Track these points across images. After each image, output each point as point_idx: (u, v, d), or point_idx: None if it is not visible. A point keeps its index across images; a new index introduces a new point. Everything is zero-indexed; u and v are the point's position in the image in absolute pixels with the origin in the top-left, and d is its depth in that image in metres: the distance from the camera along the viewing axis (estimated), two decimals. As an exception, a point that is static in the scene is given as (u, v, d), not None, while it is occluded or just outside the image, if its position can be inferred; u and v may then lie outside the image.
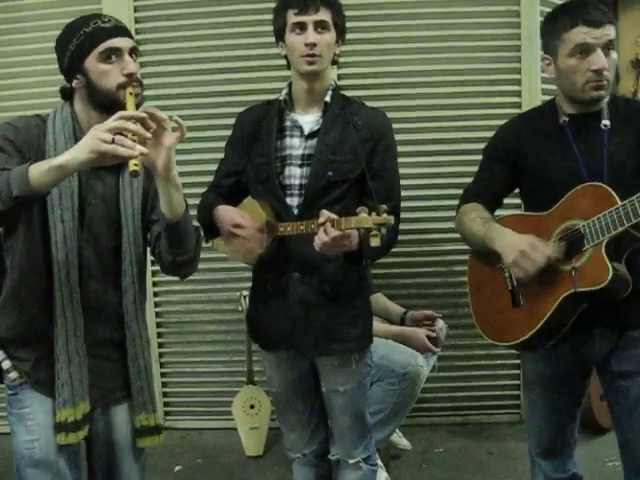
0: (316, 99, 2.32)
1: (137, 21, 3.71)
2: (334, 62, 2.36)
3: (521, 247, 2.03)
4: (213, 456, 3.70)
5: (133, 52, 1.92)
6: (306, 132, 2.31)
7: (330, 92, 2.32)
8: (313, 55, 2.22)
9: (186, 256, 1.97)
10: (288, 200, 2.30)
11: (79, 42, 1.87)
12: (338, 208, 2.20)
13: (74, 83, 1.91)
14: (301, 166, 2.30)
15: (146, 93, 3.62)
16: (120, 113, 1.70)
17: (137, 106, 1.83)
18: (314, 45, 2.21)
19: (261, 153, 2.33)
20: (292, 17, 2.23)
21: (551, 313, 2.05)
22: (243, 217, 2.26)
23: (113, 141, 1.63)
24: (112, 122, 1.66)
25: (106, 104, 1.86)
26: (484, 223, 2.20)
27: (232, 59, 3.72)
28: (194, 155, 3.73)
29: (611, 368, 2.14)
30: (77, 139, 1.87)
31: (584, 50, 2.01)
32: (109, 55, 1.86)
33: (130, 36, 1.94)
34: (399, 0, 3.65)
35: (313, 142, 2.29)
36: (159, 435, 2.10)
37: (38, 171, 1.66)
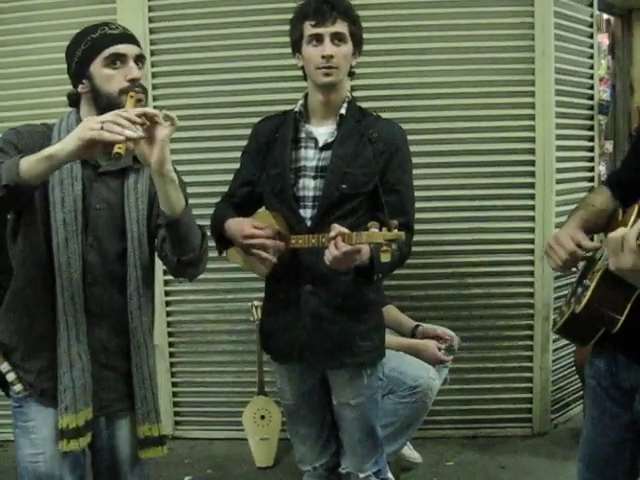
0: (332, 111, 2.32)
1: (152, 32, 3.72)
2: (350, 74, 2.36)
3: (550, 240, 1.97)
4: (223, 466, 3.69)
5: (139, 60, 1.94)
6: (321, 144, 2.31)
7: (346, 104, 2.32)
8: (330, 67, 2.22)
9: (191, 255, 1.94)
10: (301, 212, 2.29)
11: (86, 47, 1.90)
12: (351, 221, 2.21)
13: (80, 88, 1.94)
14: (315, 178, 2.29)
15: (160, 103, 3.68)
16: (116, 111, 1.71)
17: None
18: (331, 57, 2.21)
19: (275, 164, 2.33)
20: (309, 29, 2.23)
21: (564, 320, 1.96)
22: (254, 226, 2.26)
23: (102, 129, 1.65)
24: (106, 116, 1.68)
25: (107, 108, 1.86)
26: (576, 210, 2.06)
27: (247, 70, 3.72)
28: (208, 165, 3.75)
29: (636, 407, 1.94)
30: None
31: None
32: (114, 60, 1.89)
33: (137, 44, 1.96)
34: (413, 12, 3.65)
35: (327, 154, 2.29)
36: (162, 446, 2.07)
37: (28, 162, 1.68)
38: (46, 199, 1.90)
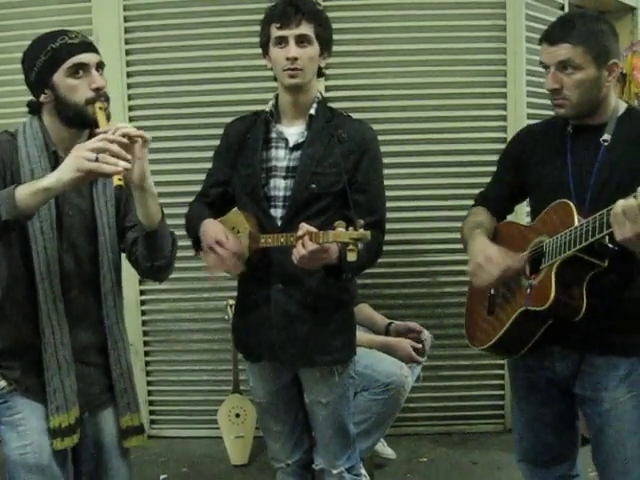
0: (301, 111, 2.34)
1: (127, 31, 3.72)
2: (320, 74, 2.38)
3: (478, 258, 2.06)
4: (198, 465, 3.70)
5: (100, 67, 1.95)
6: (291, 144, 2.32)
7: (315, 105, 2.34)
8: (295, 69, 2.23)
9: (163, 261, 2.02)
10: (272, 211, 2.31)
11: (47, 58, 1.90)
12: (321, 220, 2.23)
13: (42, 98, 1.94)
14: (285, 178, 2.31)
15: (135, 103, 3.69)
16: (102, 135, 1.74)
17: (107, 119, 1.88)
18: (295, 59, 2.22)
19: (247, 164, 2.34)
20: (275, 31, 2.25)
21: (507, 327, 2.07)
22: (227, 237, 2.25)
23: (96, 160, 1.68)
24: (95, 142, 1.71)
25: (74, 118, 1.91)
26: (473, 228, 2.22)
27: (221, 70, 3.74)
28: (182, 165, 3.75)
29: (575, 391, 2.12)
30: (49, 152, 1.94)
31: None
32: (77, 70, 1.90)
33: (96, 51, 1.97)
34: (386, 14, 3.69)
35: (298, 154, 2.31)
36: (143, 434, 2.15)
37: (24, 194, 1.71)
38: None
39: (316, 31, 2.26)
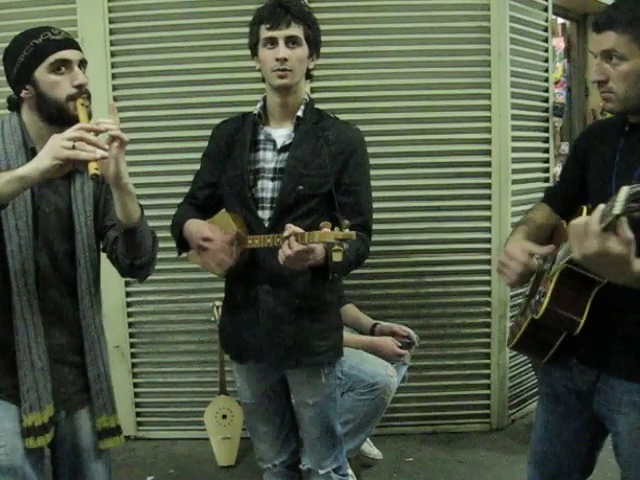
0: (289, 113, 2.34)
1: (112, 32, 3.71)
2: (308, 76, 2.38)
3: (501, 256, 1.97)
4: (185, 466, 3.70)
5: (82, 64, 1.95)
6: (279, 146, 2.33)
7: (303, 106, 2.35)
8: (284, 70, 2.24)
9: (144, 259, 2.01)
10: (260, 213, 2.31)
11: (29, 53, 1.89)
12: (308, 222, 2.23)
13: (23, 93, 1.93)
14: (273, 179, 2.32)
15: (120, 104, 3.68)
16: (79, 125, 1.74)
17: (88, 117, 1.87)
18: (285, 60, 2.23)
19: (235, 166, 2.35)
20: (264, 32, 2.26)
21: (521, 332, 2.03)
22: (212, 230, 2.28)
23: (73, 147, 1.68)
24: (72, 132, 1.71)
25: (55, 115, 1.90)
26: (520, 223, 2.13)
27: (205, 71, 3.73)
28: (167, 166, 3.75)
29: (594, 407, 2.02)
30: (27, 148, 1.93)
31: None
32: (59, 67, 1.89)
33: (79, 49, 1.96)
34: (370, 16, 3.70)
35: (285, 156, 2.31)
36: (120, 436, 2.13)
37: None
38: None
39: (305, 33, 2.27)
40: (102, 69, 3.66)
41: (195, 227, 2.33)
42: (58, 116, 1.90)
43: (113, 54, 3.71)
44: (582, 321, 1.85)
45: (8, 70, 1.95)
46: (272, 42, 2.25)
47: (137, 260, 1.99)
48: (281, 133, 2.35)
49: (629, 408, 1.92)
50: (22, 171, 1.71)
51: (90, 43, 3.54)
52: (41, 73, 1.89)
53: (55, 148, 1.69)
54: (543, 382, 2.21)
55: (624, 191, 1.41)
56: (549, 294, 1.87)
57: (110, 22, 3.71)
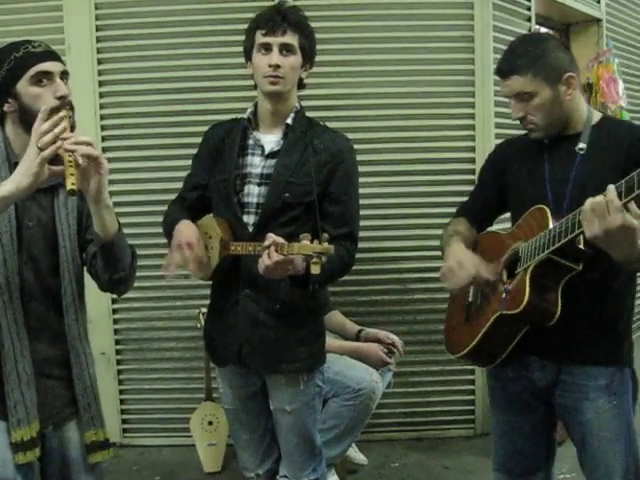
0: (279, 120, 2.35)
1: (99, 40, 3.72)
2: (300, 85, 2.39)
3: (450, 262, 2.08)
4: (171, 473, 3.69)
5: (64, 76, 1.93)
6: (266, 151, 2.34)
7: (293, 114, 2.35)
8: (276, 76, 2.25)
9: (122, 274, 1.99)
10: (245, 218, 2.32)
11: (10, 66, 1.87)
12: (292, 229, 2.25)
13: (5, 107, 1.91)
14: (259, 185, 2.32)
15: (106, 112, 3.69)
16: (36, 127, 1.75)
17: (71, 129, 1.85)
18: (278, 67, 2.24)
19: (223, 169, 2.36)
20: (259, 37, 2.27)
21: (483, 333, 2.08)
22: (198, 242, 2.27)
23: (40, 149, 1.70)
24: (33, 137, 1.73)
25: None
26: (451, 235, 2.23)
27: (193, 79, 3.75)
28: (154, 173, 3.75)
29: (555, 400, 2.13)
30: (10, 163, 1.91)
31: None
32: (40, 79, 1.87)
33: (60, 60, 1.95)
34: (358, 25, 3.73)
35: (272, 162, 2.32)
36: (109, 450, 2.11)
37: None
38: None
39: (300, 42, 2.29)
40: (89, 77, 3.67)
41: (187, 230, 2.31)
42: None
43: (100, 62, 3.72)
44: (558, 309, 1.93)
45: None
46: (266, 48, 2.26)
47: (115, 275, 1.98)
48: (270, 139, 2.35)
49: (596, 393, 2.04)
50: (3, 192, 1.71)
51: (77, 51, 3.56)
52: (23, 86, 1.87)
53: (29, 164, 1.70)
54: (494, 387, 2.30)
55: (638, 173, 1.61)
56: (527, 287, 1.93)
57: (97, 30, 3.72)
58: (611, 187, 1.67)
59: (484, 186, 2.35)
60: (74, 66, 1.97)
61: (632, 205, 1.67)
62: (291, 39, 2.27)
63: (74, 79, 2.01)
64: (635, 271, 2.07)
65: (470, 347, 2.14)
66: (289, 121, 2.34)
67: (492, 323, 2.06)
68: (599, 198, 1.69)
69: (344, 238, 2.27)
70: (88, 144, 1.77)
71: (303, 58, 2.32)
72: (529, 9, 4.11)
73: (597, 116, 2.11)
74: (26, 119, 1.89)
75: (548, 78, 2.00)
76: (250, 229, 2.31)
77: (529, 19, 4.10)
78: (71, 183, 1.70)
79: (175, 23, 3.72)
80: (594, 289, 2.02)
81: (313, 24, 3.52)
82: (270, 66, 2.24)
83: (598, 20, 5.09)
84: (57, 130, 1.73)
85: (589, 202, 1.70)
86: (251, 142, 2.37)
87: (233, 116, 2.50)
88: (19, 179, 1.72)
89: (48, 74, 1.89)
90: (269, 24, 2.25)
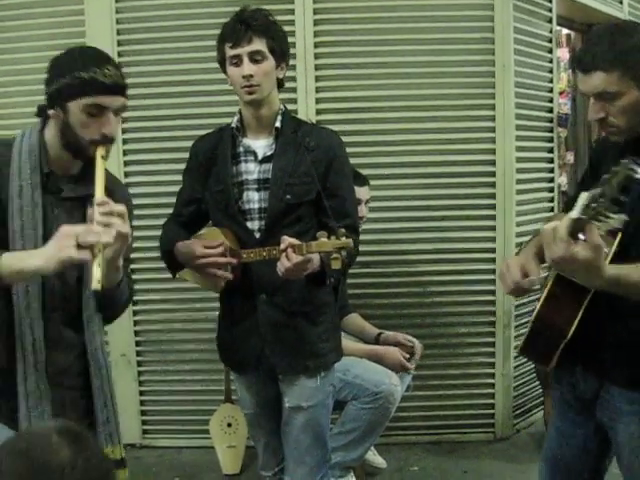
0: (265, 125, 2.36)
1: (119, 32, 3.74)
2: (280, 85, 2.40)
3: (502, 265, 1.96)
4: (191, 474, 3.70)
5: (119, 111, 1.88)
6: (260, 157, 2.35)
7: (280, 117, 2.36)
8: (251, 85, 2.26)
9: (115, 311, 2.04)
10: (249, 224, 2.34)
11: (71, 82, 1.81)
12: (297, 228, 2.29)
13: (51, 112, 1.87)
14: (258, 190, 2.34)
15: (129, 115, 3.69)
16: (90, 228, 1.69)
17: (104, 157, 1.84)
18: (251, 76, 2.25)
19: (218, 180, 2.37)
20: (228, 50, 2.28)
21: (525, 337, 1.99)
22: (204, 246, 2.29)
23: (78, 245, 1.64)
24: (81, 232, 1.67)
25: (72, 147, 1.86)
26: (533, 236, 2.09)
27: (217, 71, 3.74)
28: (169, 176, 3.75)
29: (596, 414, 2.02)
30: (42, 173, 1.87)
31: None
32: (93, 111, 1.82)
33: (124, 93, 1.88)
34: (373, 27, 3.72)
35: (267, 166, 2.34)
36: (125, 469, 2.06)
37: (10, 270, 1.68)
38: (3, 226, 1.84)
39: (269, 45, 2.28)
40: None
41: (186, 249, 2.33)
42: (75, 150, 1.86)
43: (120, 54, 3.73)
44: (571, 329, 1.82)
45: (49, 79, 1.87)
46: (237, 59, 2.27)
47: (107, 311, 1.99)
48: (261, 144, 2.37)
49: (629, 418, 1.92)
50: (31, 267, 1.67)
51: (97, 44, 3.56)
52: (75, 107, 1.81)
53: (59, 249, 1.65)
54: (555, 387, 2.19)
55: (583, 196, 1.46)
56: (542, 299, 1.87)
57: (117, 23, 3.73)
58: (569, 213, 1.53)
59: (584, 183, 2.12)
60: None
61: (591, 234, 1.51)
62: (258, 45, 2.26)
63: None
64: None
65: (519, 348, 2.03)
66: (278, 124, 2.35)
67: (529, 329, 1.95)
68: (551, 224, 1.56)
69: (347, 229, 2.28)
70: (121, 215, 1.72)
71: (275, 60, 2.31)
72: (550, 10, 4.07)
73: None
74: (66, 133, 1.86)
75: (638, 77, 1.74)
76: (257, 235, 2.33)
77: (550, 20, 4.07)
78: (97, 281, 1.64)
79: (196, 27, 3.72)
80: (631, 313, 1.85)
81: (330, 27, 3.55)
82: (244, 77, 2.25)
83: (621, 21, 5.04)
84: (103, 240, 1.66)
85: (542, 227, 1.60)
86: (241, 149, 2.38)
87: (222, 120, 2.49)
88: (45, 262, 1.66)
89: (103, 108, 1.83)
90: (234, 36, 2.25)
